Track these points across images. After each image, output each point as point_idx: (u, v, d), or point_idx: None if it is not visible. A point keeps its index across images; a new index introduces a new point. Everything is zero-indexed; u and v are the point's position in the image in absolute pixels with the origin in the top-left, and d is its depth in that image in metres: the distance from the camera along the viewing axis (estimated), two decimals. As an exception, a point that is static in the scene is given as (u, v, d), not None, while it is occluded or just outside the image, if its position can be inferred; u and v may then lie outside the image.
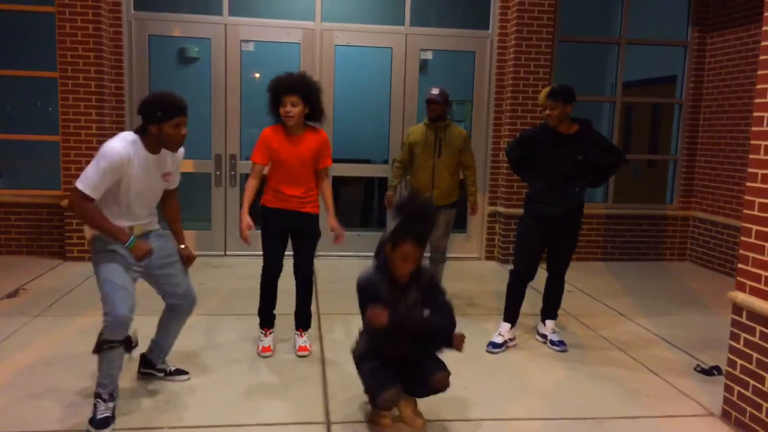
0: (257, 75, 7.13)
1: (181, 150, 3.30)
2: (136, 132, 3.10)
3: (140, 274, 3.25)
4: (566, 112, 4.15)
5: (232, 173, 6.90)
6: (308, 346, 4.16)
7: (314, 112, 3.92)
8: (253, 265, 6.42)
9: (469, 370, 3.96)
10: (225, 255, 6.97)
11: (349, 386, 3.62)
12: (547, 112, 4.16)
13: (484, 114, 7.20)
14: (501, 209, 7.11)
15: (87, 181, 2.94)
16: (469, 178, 5.20)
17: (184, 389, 3.55)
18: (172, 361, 3.83)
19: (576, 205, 4.30)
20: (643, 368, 4.11)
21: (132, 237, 3.06)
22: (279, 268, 4.09)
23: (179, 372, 3.68)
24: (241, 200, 4.12)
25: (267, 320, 4.21)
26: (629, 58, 7.30)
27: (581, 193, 4.32)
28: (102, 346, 3.07)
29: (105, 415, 3.07)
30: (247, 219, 3.88)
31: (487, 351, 4.31)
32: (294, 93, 3.80)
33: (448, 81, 7.82)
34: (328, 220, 4.07)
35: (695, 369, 4.09)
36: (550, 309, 4.54)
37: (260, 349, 4.12)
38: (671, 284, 6.43)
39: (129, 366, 3.57)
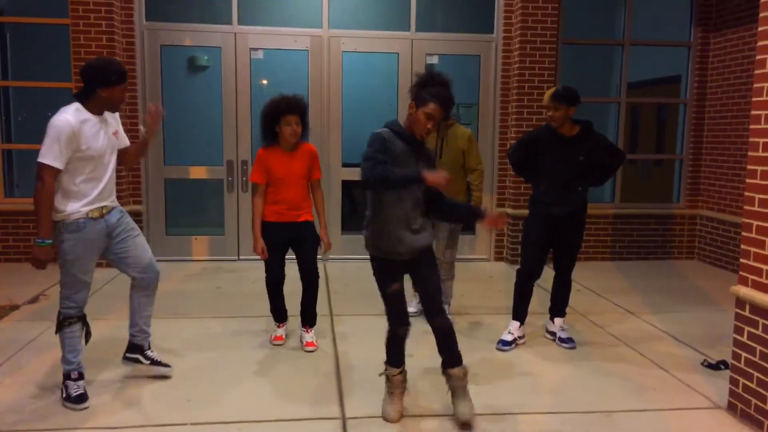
0: (265, 82, 7.26)
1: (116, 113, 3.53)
2: (78, 98, 3.29)
3: (102, 254, 3.49)
4: (569, 114, 4.21)
5: (244, 179, 7.02)
6: (315, 342, 4.38)
7: (305, 129, 4.24)
8: (266, 269, 6.54)
9: (480, 367, 4.05)
10: (238, 260, 7.09)
11: (363, 383, 3.72)
12: (551, 113, 4.22)
13: (490, 116, 7.30)
14: (509, 210, 7.19)
15: (48, 153, 3.13)
16: (474, 182, 4.89)
17: (203, 387, 3.66)
18: (189, 357, 3.99)
19: (580, 204, 4.39)
20: (651, 363, 4.18)
21: (50, 240, 3.22)
22: (282, 276, 4.37)
23: (163, 364, 3.78)
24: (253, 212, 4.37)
25: (279, 316, 4.50)
26: (633, 59, 7.38)
27: (584, 192, 4.41)
28: (62, 324, 3.41)
29: (79, 392, 3.39)
30: (262, 242, 4.21)
31: (497, 349, 4.40)
32: (297, 113, 4.12)
33: (454, 85, 7.93)
34: (319, 231, 4.35)
35: (702, 364, 4.16)
36: (558, 307, 4.63)
37: (273, 338, 4.44)
38: (679, 282, 6.50)
39: (139, 369, 3.73)
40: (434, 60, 7.22)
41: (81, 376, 3.46)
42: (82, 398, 3.37)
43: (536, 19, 6.83)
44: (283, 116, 4.10)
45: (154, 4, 6.85)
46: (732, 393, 3.48)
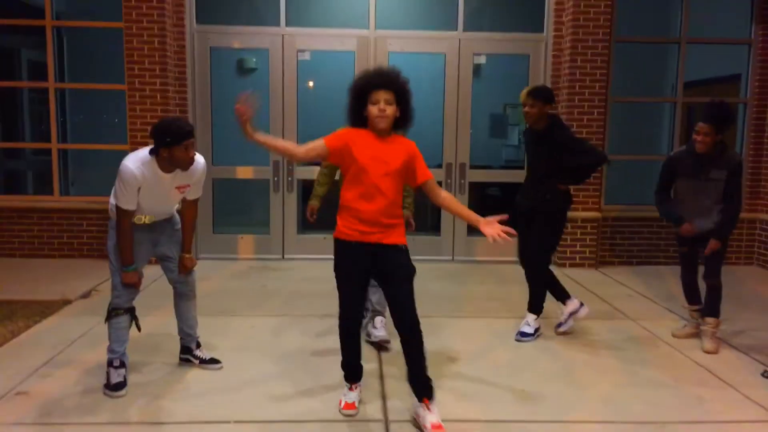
0: (311, 84, 7.30)
1: (201, 163, 3.58)
2: (151, 152, 3.40)
3: (152, 253, 3.74)
4: (543, 112, 4.38)
5: (289, 179, 7.07)
6: (441, 424, 3.11)
7: (404, 117, 3.24)
8: (310, 269, 6.57)
9: (527, 373, 3.96)
10: (283, 258, 7.14)
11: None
12: (526, 109, 4.40)
13: (539, 117, 7.14)
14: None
15: (122, 200, 3.41)
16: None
17: (249, 385, 3.67)
18: (235, 356, 4.05)
19: (544, 200, 4.43)
20: (707, 373, 4.00)
21: (133, 265, 3.53)
22: (359, 317, 3.38)
23: (213, 361, 3.94)
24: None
25: (353, 373, 3.43)
26: (690, 57, 7.12)
27: (552, 189, 4.44)
28: (110, 314, 3.59)
29: (118, 380, 3.53)
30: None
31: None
32: (389, 89, 3.14)
33: (502, 85, 7.84)
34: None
35: (762, 374, 3.96)
36: (529, 303, 4.65)
37: (342, 405, 3.35)
38: (737, 288, 6.22)
39: (190, 366, 3.80)
40: (482, 60, 7.13)
41: (122, 365, 3.59)
42: (120, 386, 3.51)
43: (588, 17, 6.65)
44: (371, 92, 3.14)
45: (204, 7, 6.96)
46: (796, 406, 3.30)
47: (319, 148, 3.18)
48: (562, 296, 4.68)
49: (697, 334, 4.55)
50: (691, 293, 4.62)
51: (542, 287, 4.64)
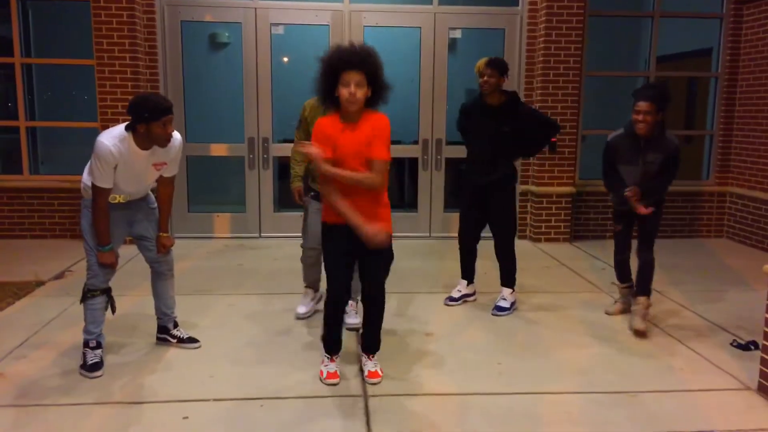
0: (285, 59, 7.19)
1: (178, 140, 3.53)
2: (127, 129, 3.33)
3: (128, 232, 3.70)
4: (500, 83, 4.36)
5: (265, 156, 7.00)
6: (380, 371, 3.50)
7: (377, 96, 3.18)
8: (287, 247, 6.55)
9: (501, 345, 4.02)
10: (260, 237, 7.10)
11: (387, 358, 3.71)
12: (485, 78, 4.34)
13: (514, 92, 7.15)
14: (533, 188, 7.08)
15: (99, 178, 3.32)
16: None
17: (226, 363, 3.68)
18: (212, 334, 4.04)
19: (503, 174, 4.47)
20: (678, 343, 4.10)
21: (110, 245, 3.46)
22: (347, 296, 3.46)
23: (191, 340, 3.92)
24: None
25: (333, 346, 3.51)
26: (663, 31, 7.16)
27: (509, 163, 4.52)
28: (86, 295, 3.54)
29: (95, 360, 3.50)
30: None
31: (445, 303, 4.77)
32: (359, 70, 3.04)
33: (477, 59, 7.80)
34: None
35: (731, 344, 4.07)
36: (502, 277, 4.73)
37: (324, 375, 3.44)
38: (708, 261, 6.36)
39: (168, 345, 3.78)
40: (457, 34, 7.09)
41: (99, 345, 3.56)
42: (96, 366, 3.48)
43: (563, -10, 6.64)
44: (342, 73, 3.04)
45: (174, -20, 6.79)
46: (763, 374, 3.39)
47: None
48: (470, 276, 4.83)
49: (628, 310, 4.53)
50: (623, 272, 4.58)
51: (514, 261, 4.69)
